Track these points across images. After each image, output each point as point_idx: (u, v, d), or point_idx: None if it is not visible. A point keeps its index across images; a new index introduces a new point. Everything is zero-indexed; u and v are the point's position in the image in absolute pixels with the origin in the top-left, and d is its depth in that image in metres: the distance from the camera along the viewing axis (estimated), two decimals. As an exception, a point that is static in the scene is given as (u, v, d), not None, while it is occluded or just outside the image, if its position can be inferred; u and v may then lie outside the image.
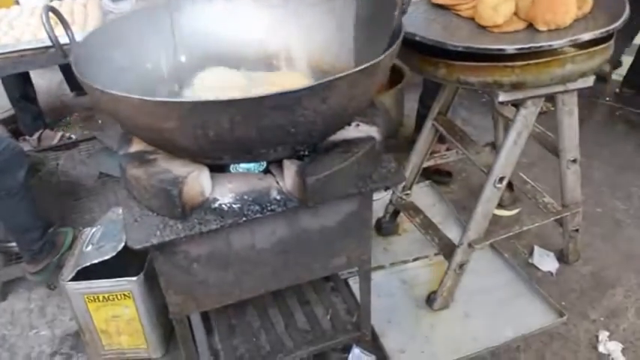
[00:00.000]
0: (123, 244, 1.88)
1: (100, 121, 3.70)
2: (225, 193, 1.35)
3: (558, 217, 2.17)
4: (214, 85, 1.57)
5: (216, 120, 1.10)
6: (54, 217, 2.60)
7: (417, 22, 1.80)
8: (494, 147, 2.47)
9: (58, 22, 1.37)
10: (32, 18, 2.16)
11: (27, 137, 3.51)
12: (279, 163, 1.38)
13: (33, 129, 3.51)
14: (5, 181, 2.11)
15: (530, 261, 2.40)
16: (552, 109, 1.97)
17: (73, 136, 3.61)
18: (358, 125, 1.46)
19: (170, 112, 1.11)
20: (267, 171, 1.43)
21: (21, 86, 3.36)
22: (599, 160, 3.02)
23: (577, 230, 2.27)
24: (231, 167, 1.45)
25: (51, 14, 1.31)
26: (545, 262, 2.38)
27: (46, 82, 4.22)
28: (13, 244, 2.39)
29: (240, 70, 1.64)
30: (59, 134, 3.58)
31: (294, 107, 1.11)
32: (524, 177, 2.39)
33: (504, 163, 1.88)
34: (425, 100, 2.86)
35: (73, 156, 3.33)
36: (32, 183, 2.26)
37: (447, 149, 2.63)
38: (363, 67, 1.14)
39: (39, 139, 3.49)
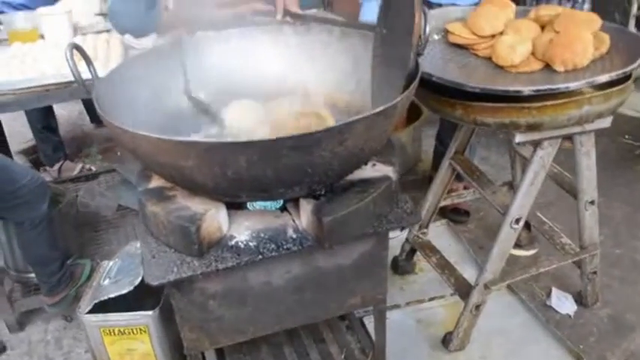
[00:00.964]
0: (140, 279, 1.89)
1: (119, 153, 3.74)
2: (241, 230, 1.36)
3: (576, 259, 2.15)
4: (242, 120, 1.59)
5: (235, 160, 1.11)
6: (72, 249, 2.62)
7: (434, 61, 1.82)
8: (512, 186, 2.47)
9: (82, 57, 1.41)
10: (56, 52, 2.20)
11: (47, 168, 3.56)
12: (295, 201, 1.39)
13: (54, 160, 3.56)
14: (28, 213, 2.14)
15: (547, 303, 2.37)
16: (571, 147, 1.97)
17: (93, 168, 3.65)
18: (375, 165, 1.47)
19: (189, 151, 1.13)
20: (283, 208, 1.43)
21: (43, 117, 3.42)
22: (618, 199, 2.99)
23: (595, 272, 2.25)
24: (248, 204, 1.46)
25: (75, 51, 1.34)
26: (563, 304, 2.35)
27: (66, 112, 4.31)
28: (32, 274, 2.40)
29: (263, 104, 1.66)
30: (79, 165, 3.62)
31: (311, 149, 1.12)
32: (542, 217, 2.38)
33: (521, 204, 1.87)
34: (442, 138, 2.87)
35: (93, 188, 3.36)
36: (53, 214, 2.28)
37: (465, 188, 2.63)
38: (380, 109, 1.16)
39: (59, 170, 3.54)
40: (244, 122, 1.56)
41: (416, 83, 1.30)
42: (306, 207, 1.33)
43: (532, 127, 1.68)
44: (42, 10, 2.46)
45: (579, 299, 2.36)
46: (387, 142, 1.50)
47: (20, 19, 2.48)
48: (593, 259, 2.19)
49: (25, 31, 2.40)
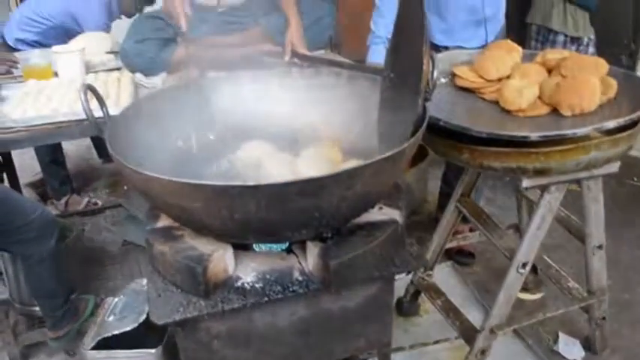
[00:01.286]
0: (144, 317, 1.88)
1: (125, 188, 3.76)
2: (248, 272, 1.36)
3: (584, 304, 2.13)
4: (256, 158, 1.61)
5: (243, 203, 1.12)
6: (77, 283, 2.62)
7: (441, 104, 1.83)
8: (518, 229, 2.46)
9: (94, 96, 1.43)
10: (69, 90, 2.24)
11: (54, 201, 3.58)
12: (302, 243, 1.39)
13: (61, 193, 3.58)
14: (36, 248, 2.15)
15: (554, 348, 2.33)
16: (578, 189, 1.96)
17: (99, 202, 3.67)
18: (381, 208, 1.48)
19: (198, 193, 1.14)
20: (289, 250, 1.44)
21: (51, 152, 3.46)
22: (627, 243, 2.97)
23: (604, 318, 2.22)
24: (255, 245, 1.46)
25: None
26: (571, 350, 2.32)
27: (74, 146, 4.33)
28: (37, 308, 2.40)
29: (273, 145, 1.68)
30: (85, 200, 3.64)
31: (319, 193, 1.13)
32: (549, 260, 2.36)
33: (528, 249, 1.87)
34: (448, 179, 2.87)
35: (99, 222, 3.38)
36: (60, 249, 2.28)
37: (470, 230, 2.62)
38: (387, 155, 1.17)
39: (66, 203, 3.56)
40: (256, 162, 1.58)
41: (423, 128, 1.31)
42: (313, 250, 1.33)
43: (539, 172, 1.68)
44: (56, 48, 2.51)
45: (587, 345, 2.32)
46: (394, 186, 1.51)
47: (35, 57, 2.53)
48: (601, 304, 2.17)
49: (40, 68, 2.45)
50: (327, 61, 2.13)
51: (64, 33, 3.16)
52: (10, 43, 3.22)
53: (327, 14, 2.63)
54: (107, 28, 3.22)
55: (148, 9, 3.24)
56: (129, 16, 3.55)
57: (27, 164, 3.88)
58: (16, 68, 2.64)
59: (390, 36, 1.61)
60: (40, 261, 2.19)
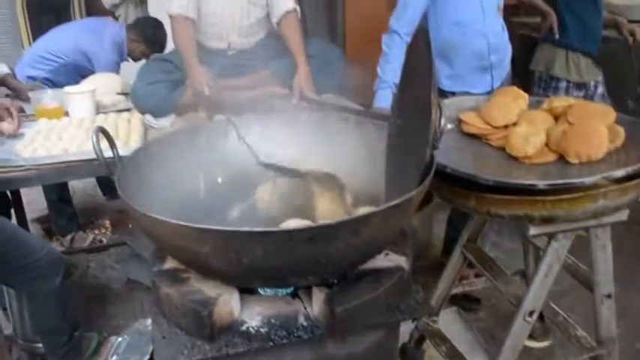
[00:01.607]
0: (148, 358, 1.87)
1: (130, 226, 3.77)
2: (253, 315, 1.35)
3: (593, 354, 2.09)
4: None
5: (250, 249, 1.13)
6: (80, 320, 2.60)
7: (448, 150, 1.83)
8: (524, 275, 2.44)
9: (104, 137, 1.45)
10: (79, 130, 2.28)
11: (60, 238, 3.59)
12: (307, 288, 1.39)
13: (67, 230, 3.59)
14: (41, 285, 2.15)
15: (562, 398, 2.30)
16: (585, 234, 1.95)
17: (104, 240, 3.68)
18: (387, 254, 1.47)
19: (206, 237, 1.14)
20: (295, 294, 1.43)
21: (59, 190, 3.48)
22: (636, 291, 2.94)
23: (613, 368, 2.19)
24: (260, 289, 1.46)
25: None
26: (579, 400, 2.27)
27: (81, 183, 4.36)
28: (40, 344, 2.39)
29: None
30: (91, 237, 3.65)
31: (326, 241, 1.13)
32: (556, 308, 2.33)
33: (535, 297, 1.85)
34: (454, 223, 2.87)
35: (103, 260, 3.38)
36: (64, 286, 2.28)
37: (476, 275, 2.61)
38: (395, 202, 1.17)
39: (72, 240, 3.57)
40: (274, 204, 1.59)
41: (431, 176, 1.32)
42: (319, 295, 1.32)
43: (546, 220, 1.68)
44: (68, 89, 2.55)
45: (595, 396, 2.28)
46: (400, 232, 1.51)
47: (47, 97, 2.57)
48: (611, 354, 2.13)
49: (52, 108, 2.49)
50: (335, 105, 2.16)
51: (76, 70, 3.22)
52: (22, 79, 3.26)
53: (336, 58, 2.67)
54: (118, 68, 3.28)
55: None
56: (135, 59, 3.63)
57: (33, 200, 3.90)
58: (26, 102, 2.68)
59: (396, 81, 1.63)
60: (45, 298, 2.19)
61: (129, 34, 3.51)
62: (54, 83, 3.12)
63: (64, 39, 3.39)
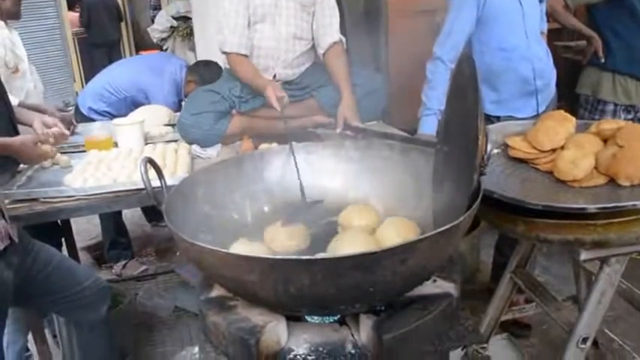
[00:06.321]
0: (194, 386, 1.88)
1: (177, 253, 3.83)
2: (300, 343, 1.34)
3: (649, 382, 2.02)
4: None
5: (297, 277, 1.13)
6: (128, 348, 2.64)
7: (495, 175, 1.82)
8: (576, 300, 2.37)
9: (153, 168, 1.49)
10: (128, 161, 2.33)
11: (112, 265, 3.67)
12: (354, 315, 1.38)
13: (121, 258, 3.68)
14: (88, 315, 2.18)
15: None
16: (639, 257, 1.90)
17: (151, 267, 3.74)
18: (435, 281, 1.46)
19: (253, 266, 1.16)
20: (342, 322, 1.42)
21: (116, 220, 3.57)
22: (693, 316, 2.83)
23: (671, 398, 2.10)
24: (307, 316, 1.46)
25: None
26: None
27: (130, 212, 4.45)
28: (88, 375, 2.42)
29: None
30: (143, 266, 3.72)
31: (373, 268, 1.13)
32: (610, 334, 2.26)
33: (588, 324, 1.80)
34: (501, 248, 2.82)
35: (151, 288, 3.43)
36: (113, 314, 2.31)
37: (526, 301, 2.55)
38: (442, 229, 1.16)
39: (123, 267, 3.64)
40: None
41: (478, 202, 1.31)
42: (366, 322, 1.31)
43: (598, 245, 1.64)
44: (117, 121, 2.63)
45: None
46: (448, 258, 1.49)
47: (97, 129, 2.65)
48: (667, 382, 2.06)
49: (101, 139, 2.56)
50: (379, 133, 2.17)
51: (134, 105, 3.29)
52: (84, 111, 3.38)
53: (380, 86, 2.69)
54: (174, 107, 3.31)
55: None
56: None
57: (82, 228, 4.00)
58: (74, 133, 2.75)
59: (441, 107, 1.63)
60: (92, 328, 2.21)
61: (187, 76, 3.53)
62: (113, 116, 3.19)
63: (125, 75, 3.46)
